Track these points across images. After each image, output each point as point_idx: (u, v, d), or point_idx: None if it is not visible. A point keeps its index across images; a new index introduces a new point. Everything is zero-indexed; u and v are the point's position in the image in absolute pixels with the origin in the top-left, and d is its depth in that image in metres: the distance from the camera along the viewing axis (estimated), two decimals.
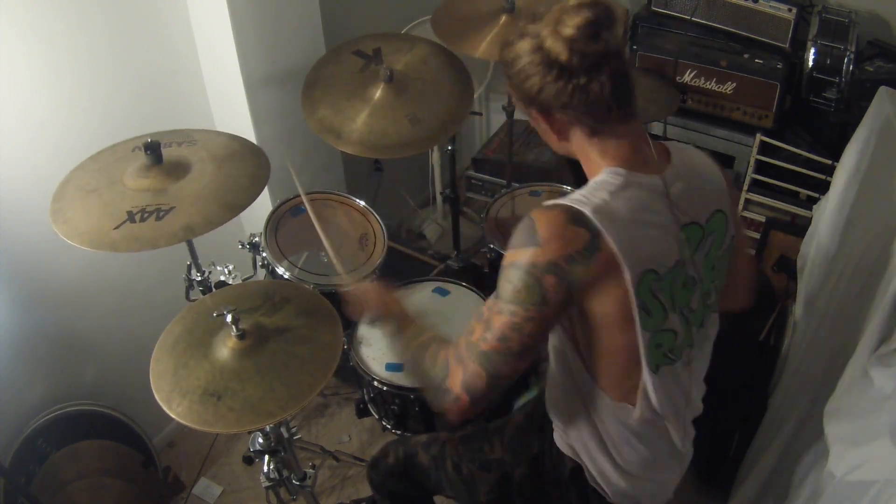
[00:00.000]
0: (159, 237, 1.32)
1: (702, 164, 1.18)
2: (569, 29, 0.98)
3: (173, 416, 1.25)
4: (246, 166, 1.51)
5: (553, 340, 1.20)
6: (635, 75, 1.09)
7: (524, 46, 1.03)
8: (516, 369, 1.05)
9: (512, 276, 1.01)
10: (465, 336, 1.06)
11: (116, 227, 1.32)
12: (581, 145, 1.10)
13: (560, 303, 1.01)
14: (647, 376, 1.09)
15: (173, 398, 1.28)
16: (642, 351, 1.07)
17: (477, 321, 1.06)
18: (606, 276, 1.01)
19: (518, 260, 1.01)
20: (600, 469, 1.21)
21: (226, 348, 1.36)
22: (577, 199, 1.04)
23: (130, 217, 1.34)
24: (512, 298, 1.01)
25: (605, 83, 1.00)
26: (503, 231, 2.06)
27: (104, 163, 1.50)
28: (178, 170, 1.46)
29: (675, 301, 1.10)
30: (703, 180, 1.16)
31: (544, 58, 1.01)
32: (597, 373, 1.12)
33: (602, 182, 1.06)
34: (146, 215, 1.35)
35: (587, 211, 1.00)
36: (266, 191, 1.51)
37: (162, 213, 1.36)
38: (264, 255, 1.81)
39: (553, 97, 1.02)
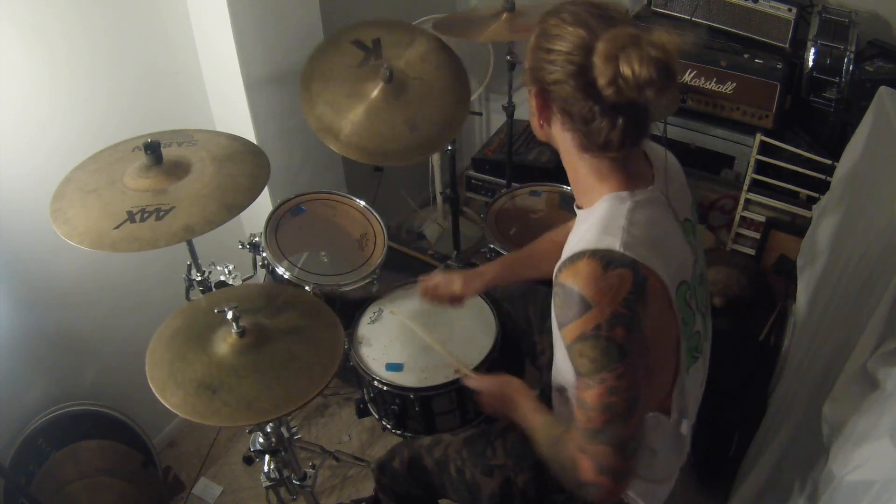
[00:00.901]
0: (159, 237, 1.32)
1: (666, 155, 1.18)
2: (627, 68, 0.90)
3: (167, 405, 1.25)
4: (246, 166, 1.51)
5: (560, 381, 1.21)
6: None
7: (573, 35, 0.95)
8: (636, 426, 1.01)
9: (582, 349, 0.97)
10: (574, 426, 1.03)
11: (116, 227, 1.32)
12: (565, 146, 1.07)
13: (639, 345, 0.97)
14: (681, 382, 1.10)
15: (168, 387, 1.28)
16: (681, 360, 1.07)
17: (576, 407, 1.02)
18: (658, 302, 1.00)
19: (579, 332, 0.97)
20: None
21: (225, 344, 1.36)
22: (595, 238, 0.99)
23: (130, 217, 1.34)
24: (594, 369, 0.97)
25: (615, 126, 0.97)
26: (503, 231, 2.06)
27: (104, 163, 1.50)
28: (178, 170, 1.46)
29: (698, 302, 1.11)
30: (676, 172, 1.16)
31: (583, 65, 0.95)
32: None
33: (611, 210, 1.03)
34: (146, 215, 1.35)
35: (616, 247, 0.97)
36: (266, 191, 1.51)
37: (162, 214, 1.36)
38: (264, 255, 1.81)
39: (560, 97, 0.99)
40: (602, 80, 0.93)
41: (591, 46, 0.94)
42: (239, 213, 1.40)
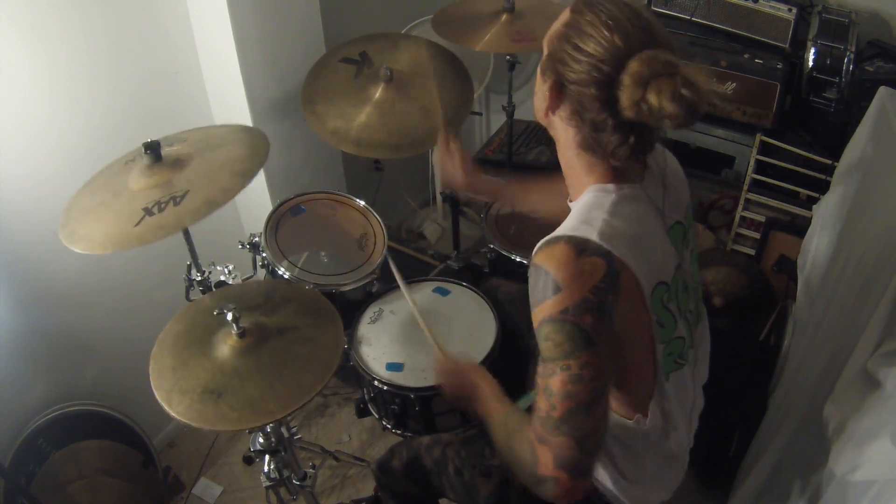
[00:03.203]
0: (184, 217, 1.30)
1: (666, 156, 1.16)
2: (655, 97, 0.87)
3: (173, 414, 1.25)
4: (243, 141, 1.51)
5: None
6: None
7: (609, 42, 0.90)
8: (599, 420, 0.97)
9: (548, 332, 0.94)
10: (536, 415, 0.99)
11: (137, 224, 1.31)
12: (566, 139, 1.05)
13: (607, 337, 0.95)
14: (660, 386, 1.08)
15: (173, 397, 1.28)
16: (658, 363, 1.06)
17: (539, 395, 0.98)
18: (630, 298, 0.98)
19: (546, 314, 0.94)
20: (604, 484, 1.21)
21: (226, 346, 1.36)
22: (574, 226, 0.98)
23: (148, 212, 1.33)
24: (558, 354, 0.94)
25: (624, 142, 0.95)
26: (503, 231, 2.06)
27: (100, 184, 1.49)
28: (180, 162, 1.45)
29: (680, 307, 1.09)
30: (673, 174, 1.15)
31: (609, 76, 0.91)
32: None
33: (595, 201, 1.01)
34: (163, 206, 1.34)
35: (593, 237, 0.95)
36: (266, 191, 1.52)
37: (178, 199, 1.34)
38: (264, 255, 1.81)
39: (576, 97, 0.96)
40: (625, 101, 0.90)
41: (623, 61, 0.90)
42: (251, 180, 1.38)
